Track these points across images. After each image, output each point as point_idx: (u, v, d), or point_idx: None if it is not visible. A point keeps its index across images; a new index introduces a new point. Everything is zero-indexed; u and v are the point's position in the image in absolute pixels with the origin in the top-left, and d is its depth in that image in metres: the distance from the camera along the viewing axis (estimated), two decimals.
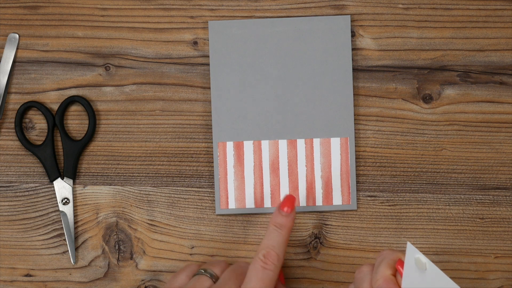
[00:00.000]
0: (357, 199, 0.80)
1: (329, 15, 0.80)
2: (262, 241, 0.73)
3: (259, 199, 0.80)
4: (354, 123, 0.80)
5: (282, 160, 0.80)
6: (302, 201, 0.80)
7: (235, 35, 0.80)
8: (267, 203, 0.80)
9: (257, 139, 0.80)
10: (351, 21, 0.80)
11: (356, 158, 0.80)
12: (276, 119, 0.80)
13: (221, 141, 0.80)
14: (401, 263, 0.68)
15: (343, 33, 0.79)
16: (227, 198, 0.80)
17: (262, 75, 0.80)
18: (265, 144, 0.80)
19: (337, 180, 0.80)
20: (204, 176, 0.81)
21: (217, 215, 0.81)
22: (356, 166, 0.80)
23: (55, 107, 0.81)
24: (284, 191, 0.80)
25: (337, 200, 0.80)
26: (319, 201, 0.80)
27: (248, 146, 0.80)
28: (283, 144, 0.80)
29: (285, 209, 0.73)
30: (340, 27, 0.79)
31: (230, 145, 0.80)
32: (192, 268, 0.77)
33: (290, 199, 0.74)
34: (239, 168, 0.80)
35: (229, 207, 0.80)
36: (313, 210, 0.80)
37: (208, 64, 0.81)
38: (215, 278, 0.75)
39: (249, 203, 0.80)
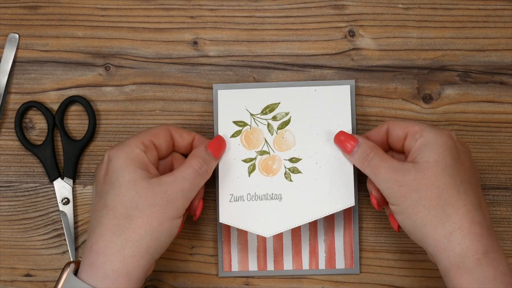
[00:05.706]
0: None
1: (329, 14, 0.80)
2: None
3: (262, 263, 0.80)
4: (355, 123, 0.80)
5: None
6: (305, 264, 0.79)
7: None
8: (270, 267, 0.80)
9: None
10: (351, 21, 0.80)
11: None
12: None
13: None
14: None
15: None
16: (230, 261, 0.80)
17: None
18: None
19: (340, 243, 0.80)
20: None
21: (220, 277, 0.81)
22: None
23: (55, 107, 0.81)
24: (288, 254, 0.79)
25: (340, 264, 0.80)
26: (321, 265, 0.80)
27: None
28: None
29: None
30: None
31: None
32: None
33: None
34: (243, 231, 0.80)
35: (232, 270, 0.80)
36: (316, 273, 0.80)
37: (208, 64, 0.81)
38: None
39: (252, 266, 0.80)
